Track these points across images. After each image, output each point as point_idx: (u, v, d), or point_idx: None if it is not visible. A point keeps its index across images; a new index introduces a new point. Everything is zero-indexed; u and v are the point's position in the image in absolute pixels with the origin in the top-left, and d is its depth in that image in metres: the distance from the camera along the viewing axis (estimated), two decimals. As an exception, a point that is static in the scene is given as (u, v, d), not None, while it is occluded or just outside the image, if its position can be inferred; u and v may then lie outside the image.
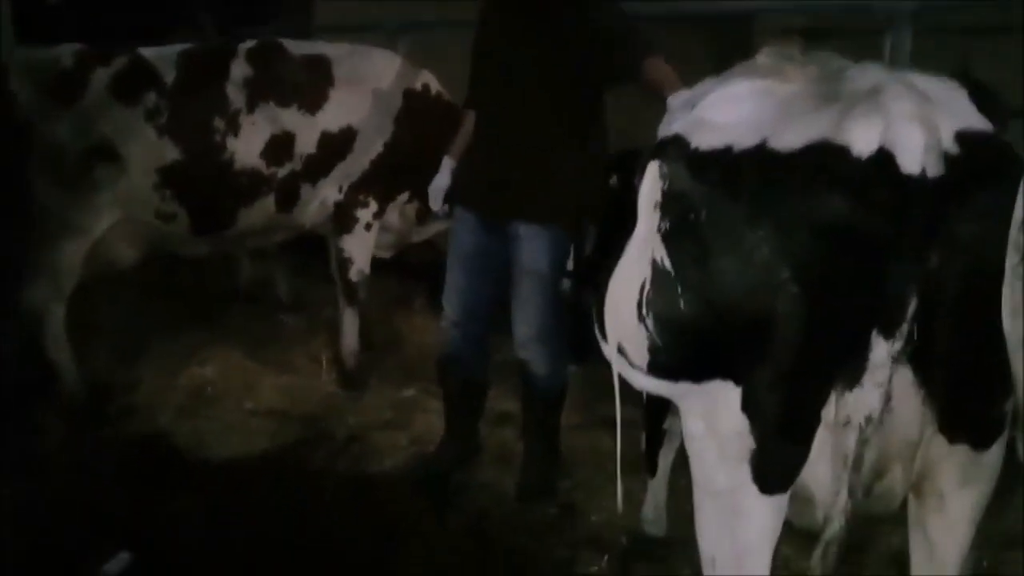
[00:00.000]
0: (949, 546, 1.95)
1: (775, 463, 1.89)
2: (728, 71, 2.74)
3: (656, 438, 3.27)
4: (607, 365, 4.57)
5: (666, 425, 3.24)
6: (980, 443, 1.87)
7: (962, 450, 1.87)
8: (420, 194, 4.84)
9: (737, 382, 1.88)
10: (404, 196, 4.94)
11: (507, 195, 3.54)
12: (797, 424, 1.86)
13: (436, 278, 5.60)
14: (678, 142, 1.99)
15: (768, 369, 1.81)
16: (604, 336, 2.12)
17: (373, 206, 4.81)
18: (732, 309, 1.81)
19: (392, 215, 4.98)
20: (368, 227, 4.82)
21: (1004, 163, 1.73)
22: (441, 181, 3.83)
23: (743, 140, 1.89)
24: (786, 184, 1.77)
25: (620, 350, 2.06)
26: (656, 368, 1.97)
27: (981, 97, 1.87)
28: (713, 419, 1.94)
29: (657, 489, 3.35)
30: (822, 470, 1.90)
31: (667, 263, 1.91)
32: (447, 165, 3.86)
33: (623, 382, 2.25)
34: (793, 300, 1.75)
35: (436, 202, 3.88)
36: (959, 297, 1.72)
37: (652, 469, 3.33)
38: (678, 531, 3.34)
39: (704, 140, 1.95)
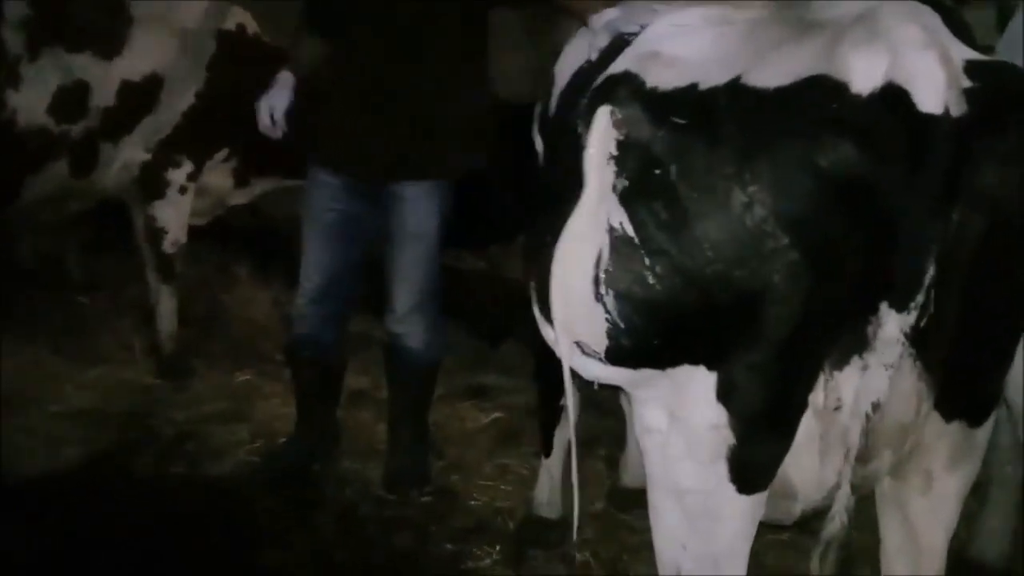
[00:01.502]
0: (934, 530, 1.77)
1: (757, 459, 1.63)
2: None
3: (553, 415, 2.99)
4: (469, 331, 4.40)
5: (563, 402, 2.95)
6: (977, 420, 1.69)
7: (957, 428, 1.68)
8: (240, 151, 4.35)
9: (711, 367, 1.59)
10: (222, 153, 4.35)
11: (384, 152, 3.07)
12: (784, 413, 1.60)
13: (261, 245, 5.12)
14: (630, 81, 1.65)
15: (756, 351, 1.53)
16: (548, 319, 1.77)
17: (187, 166, 4.20)
18: (715, 281, 1.51)
19: (210, 176, 4.37)
20: (183, 190, 4.21)
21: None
22: (279, 99, 3.21)
23: (710, 76, 1.58)
24: (779, 129, 1.47)
25: (570, 334, 1.71)
26: (616, 354, 1.64)
27: (952, 21, 1.64)
28: (680, 410, 1.65)
29: (552, 469, 3.08)
30: (805, 461, 1.66)
31: (628, 229, 1.58)
32: (287, 81, 3.24)
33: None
34: (792, 269, 1.46)
35: (265, 119, 3.23)
36: (980, 259, 1.49)
37: (548, 449, 3.06)
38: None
39: (662, 78, 1.62)
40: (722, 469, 1.63)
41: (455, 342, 4.30)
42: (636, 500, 3.13)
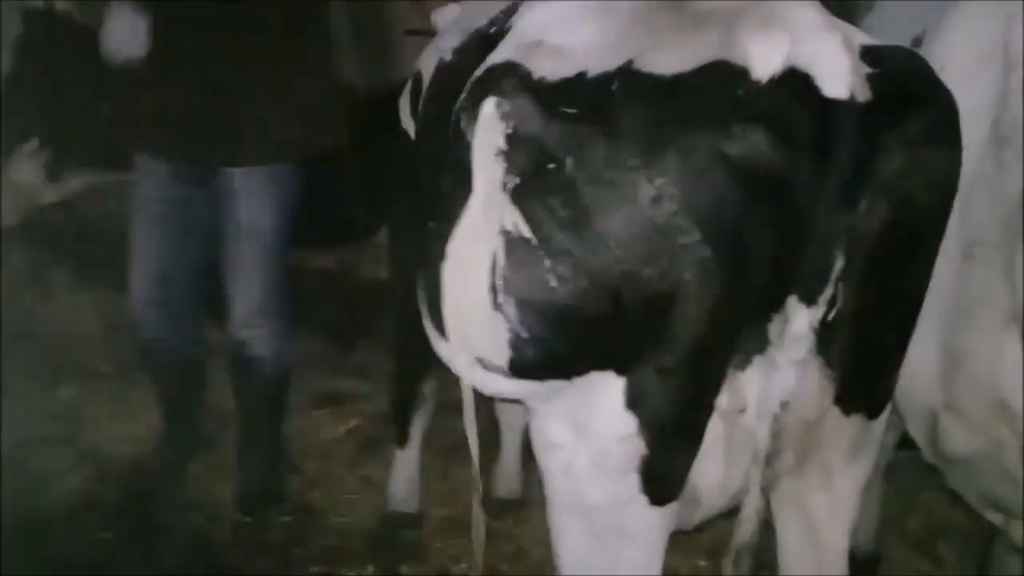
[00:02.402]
0: (836, 526, 1.73)
1: (668, 468, 1.54)
2: None
3: (410, 403, 2.84)
4: (321, 335, 4.15)
5: (424, 388, 2.81)
6: (875, 412, 1.66)
7: (856, 421, 1.64)
8: (52, 142, 3.92)
9: (619, 372, 1.48)
10: (31, 145, 3.89)
11: (208, 134, 2.78)
12: (695, 418, 1.51)
13: (76, 248, 4.65)
14: (514, 71, 1.50)
15: (667, 354, 1.43)
16: (441, 332, 1.60)
17: (-9, 160, 3.73)
18: (623, 281, 1.39)
19: (17, 170, 3.90)
20: (-13, 187, 3.74)
21: (931, 84, 1.47)
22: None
23: (600, 64, 1.46)
24: (680, 117, 1.37)
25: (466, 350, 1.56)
26: (521, 367, 1.50)
27: (832, 8, 1.60)
28: (587, 422, 1.53)
29: (408, 461, 2.92)
30: (709, 465, 1.58)
31: (524, 229, 1.44)
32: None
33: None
34: (704, 265, 1.37)
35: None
36: (884, 249, 1.45)
37: (403, 438, 2.91)
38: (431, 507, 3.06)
39: (548, 67, 1.48)
40: (633, 481, 1.53)
41: (305, 347, 4.06)
42: (509, 508, 3.06)
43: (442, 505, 3.11)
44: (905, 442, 2.37)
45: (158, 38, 2.80)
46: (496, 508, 3.06)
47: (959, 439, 1.78)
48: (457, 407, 3.45)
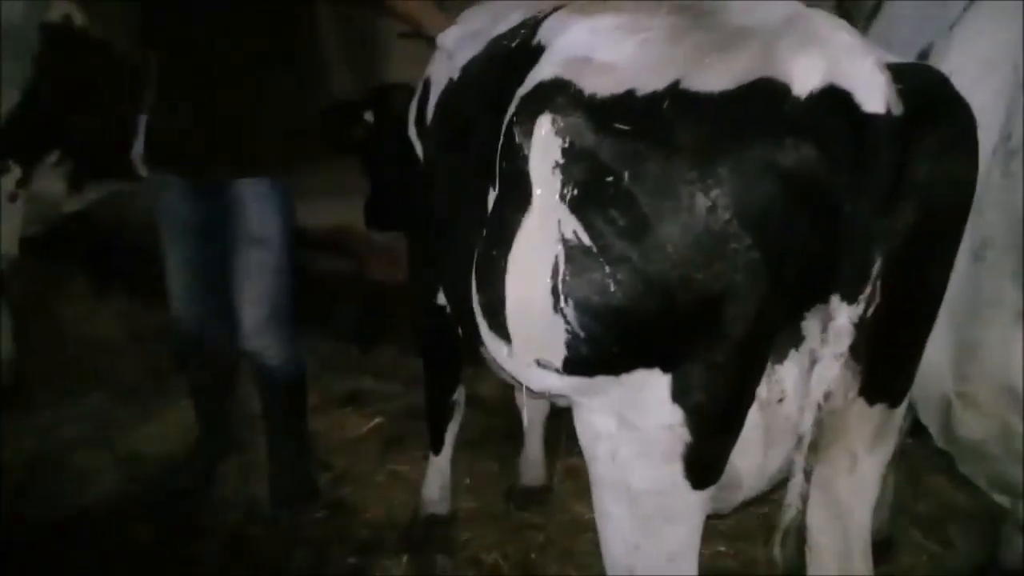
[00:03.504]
0: (860, 506, 1.85)
1: (710, 454, 1.66)
2: (489, 6, 2.45)
3: (444, 413, 2.96)
4: (338, 336, 4.26)
5: (455, 397, 2.93)
6: (896, 401, 1.79)
7: (879, 410, 1.76)
8: (72, 153, 4.02)
9: (666, 369, 1.61)
10: (53, 157, 4.00)
11: (211, 147, 2.91)
12: (737, 408, 1.63)
13: (97, 256, 4.75)
14: (565, 88, 1.62)
15: (714, 351, 1.55)
16: (502, 335, 1.72)
17: (16, 172, 3.82)
18: (678, 285, 1.51)
19: (40, 181, 3.99)
20: (12, 198, 3.83)
21: (953, 98, 1.59)
22: (139, 145, 3.10)
23: (647, 82, 1.57)
24: (732, 133, 1.49)
25: (527, 350, 1.68)
26: (574, 364, 1.62)
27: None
28: (633, 414, 1.65)
29: (442, 467, 3.04)
30: (749, 452, 1.71)
31: (584, 237, 1.56)
32: (143, 124, 3.10)
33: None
34: (753, 268, 1.48)
35: (140, 169, 3.13)
36: (914, 250, 1.57)
37: (437, 446, 3.02)
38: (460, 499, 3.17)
39: (599, 84, 1.60)
40: (677, 468, 1.65)
41: (325, 349, 4.18)
42: (535, 498, 3.19)
43: (468, 498, 3.23)
44: (914, 430, 2.51)
45: (163, 65, 2.97)
46: (522, 498, 3.18)
47: (971, 425, 1.91)
48: (481, 403, 3.61)
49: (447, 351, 2.78)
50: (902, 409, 1.82)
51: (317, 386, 3.81)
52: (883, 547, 2.77)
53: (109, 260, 4.69)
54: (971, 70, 1.84)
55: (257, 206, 2.94)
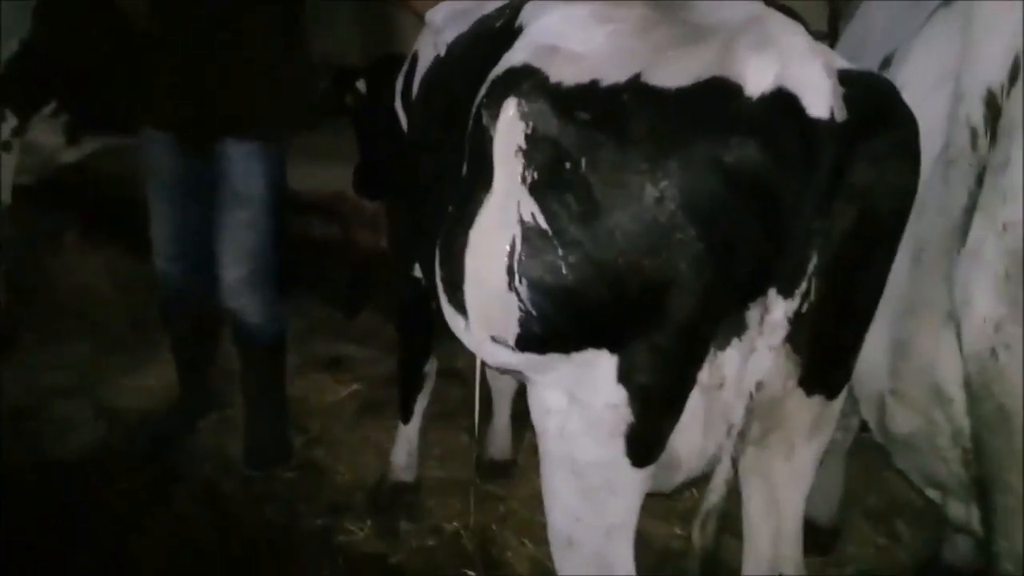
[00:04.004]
0: (794, 493, 1.94)
1: (651, 434, 1.74)
2: None
3: (415, 383, 3.04)
4: (324, 300, 4.32)
5: (426, 368, 3.01)
6: (833, 393, 1.86)
7: (817, 401, 1.84)
8: (70, 104, 4.07)
9: (613, 350, 1.68)
10: (50, 107, 4.05)
11: (200, 110, 2.99)
12: (678, 391, 1.71)
13: (90, 207, 4.82)
14: (533, 74, 1.69)
15: (658, 335, 1.62)
16: (459, 309, 1.79)
17: (11, 120, 3.91)
18: (625, 270, 1.58)
19: (36, 132, 4.06)
20: (6, 147, 3.90)
21: (897, 106, 1.66)
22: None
23: (611, 74, 1.64)
24: (684, 128, 1.55)
25: (480, 323, 1.75)
26: (527, 341, 1.70)
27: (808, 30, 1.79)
28: (581, 392, 1.72)
29: (410, 435, 3.13)
30: (689, 434, 1.79)
31: (541, 220, 1.63)
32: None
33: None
34: (697, 258, 1.55)
35: None
36: (851, 249, 1.64)
37: (407, 415, 3.10)
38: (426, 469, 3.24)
39: (565, 73, 1.66)
40: (619, 445, 1.72)
41: (310, 312, 4.25)
42: (501, 471, 3.27)
43: (437, 468, 3.32)
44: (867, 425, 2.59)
45: (159, 23, 3.03)
46: (488, 470, 3.27)
47: (901, 421, 1.99)
48: (450, 376, 3.68)
49: (421, 322, 2.85)
50: (839, 401, 1.90)
51: (300, 349, 3.92)
52: (830, 536, 2.87)
53: (102, 212, 4.74)
54: (926, 79, 1.90)
55: (243, 166, 3.00)
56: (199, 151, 3.03)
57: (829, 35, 3.22)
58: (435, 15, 2.57)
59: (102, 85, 4.03)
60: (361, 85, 3.41)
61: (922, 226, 1.82)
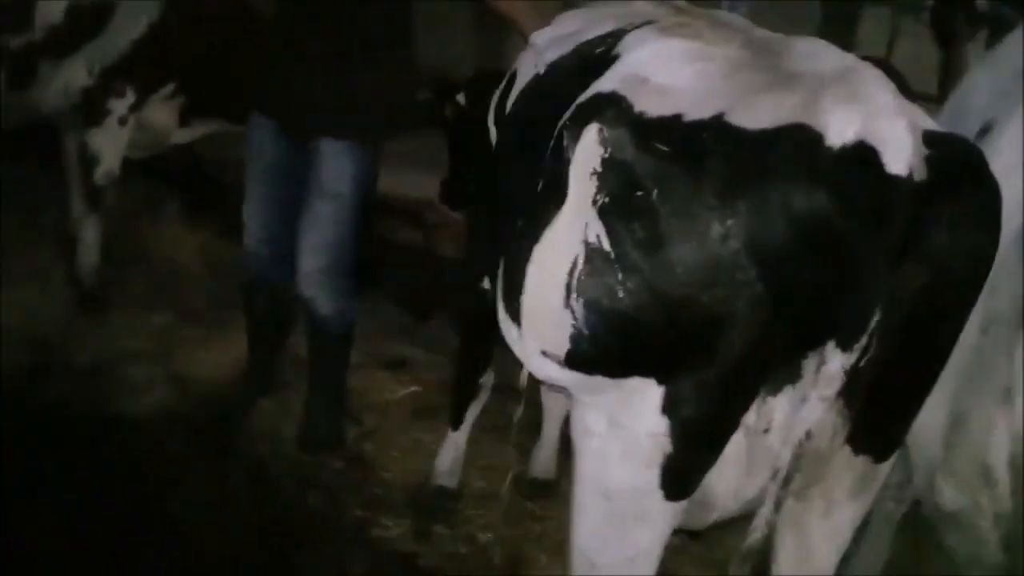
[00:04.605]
0: (829, 551, 1.92)
1: (688, 469, 1.75)
2: (595, 8, 2.55)
3: (470, 392, 3.09)
4: (397, 302, 4.42)
5: (482, 379, 3.06)
6: (882, 456, 1.84)
7: (863, 461, 1.83)
8: (187, 88, 4.27)
9: (660, 381, 1.70)
10: (168, 89, 4.26)
11: (305, 104, 3.12)
12: (720, 429, 1.72)
13: (191, 186, 5.03)
14: (618, 102, 1.73)
15: (707, 371, 1.64)
16: (517, 320, 1.84)
17: (130, 97, 4.10)
18: (681, 302, 1.61)
19: (153, 110, 4.27)
20: (122, 121, 4.11)
21: (982, 172, 1.65)
22: None
23: (695, 110, 1.67)
24: (758, 170, 1.57)
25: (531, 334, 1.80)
26: (575, 359, 1.74)
27: (897, 82, 1.79)
28: (623, 417, 1.75)
29: (458, 442, 3.18)
30: (728, 475, 1.79)
31: (605, 243, 1.67)
32: None
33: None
34: (755, 300, 1.57)
35: None
36: (918, 312, 1.64)
37: (457, 422, 3.16)
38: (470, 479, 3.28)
39: (650, 105, 1.71)
40: (654, 475, 1.74)
41: (381, 312, 4.36)
42: (542, 491, 3.29)
43: (480, 479, 3.35)
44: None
45: (277, 15, 3.20)
46: (529, 488, 3.29)
47: (949, 497, 1.95)
48: (504, 392, 3.72)
49: (483, 333, 2.90)
50: (886, 466, 1.87)
51: (366, 345, 4.01)
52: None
53: (202, 193, 4.95)
54: (1019, 152, 1.88)
55: (335, 163, 3.12)
56: (299, 141, 3.17)
57: (939, 98, 3.18)
58: (539, 37, 2.63)
59: (220, 72, 4.21)
60: (461, 98, 3.50)
61: (994, 300, 1.79)
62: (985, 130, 2.13)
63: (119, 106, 4.07)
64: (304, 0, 3.13)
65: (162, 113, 4.33)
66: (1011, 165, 1.82)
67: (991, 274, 1.69)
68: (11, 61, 3.76)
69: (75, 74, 3.95)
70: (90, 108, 4.01)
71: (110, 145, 4.09)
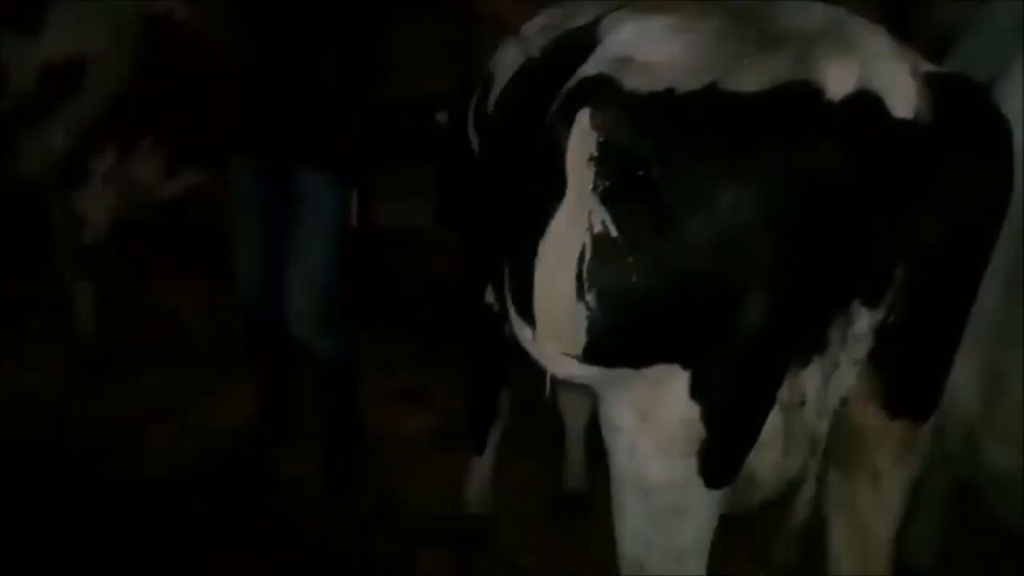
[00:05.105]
0: (882, 526, 1.83)
1: (726, 453, 1.67)
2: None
3: (488, 414, 3.00)
4: (405, 331, 4.35)
5: (499, 399, 2.98)
6: (921, 417, 1.76)
7: (902, 424, 1.75)
8: (168, 140, 4.22)
9: (685, 365, 1.62)
10: (149, 142, 4.20)
11: (281, 140, 3.05)
12: (755, 407, 1.64)
13: (184, 240, 4.98)
14: (607, 84, 1.67)
15: (732, 348, 1.57)
16: (527, 318, 1.77)
17: (111, 155, 4.04)
18: (698, 279, 1.54)
19: (135, 166, 4.21)
20: (106, 180, 4.05)
21: (988, 109, 1.58)
22: None
23: (686, 82, 1.61)
24: (760, 132, 1.51)
25: (547, 334, 1.72)
26: (594, 353, 1.66)
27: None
28: (652, 408, 1.67)
29: (484, 466, 3.09)
30: (769, 454, 1.71)
31: (611, 228, 1.60)
32: None
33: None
34: (774, 267, 1.50)
35: None
36: (941, 260, 1.57)
37: (480, 447, 3.06)
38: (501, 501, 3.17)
39: (639, 82, 1.64)
40: (692, 464, 1.66)
41: (390, 343, 4.29)
42: (577, 504, 3.20)
43: (512, 500, 3.25)
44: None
45: (249, 55, 3.13)
46: (562, 503, 3.20)
47: (996, 457, 1.86)
48: (526, 407, 3.64)
49: (493, 350, 2.83)
50: (927, 430, 1.79)
51: (378, 379, 3.93)
52: (917, 577, 2.69)
53: (197, 243, 4.90)
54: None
55: (316, 198, 3.04)
56: (279, 179, 3.10)
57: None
58: (529, 29, 2.55)
59: (199, 119, 4.17)
60: (442, 117, 3.45)
61: (1019, 250, 1.71)
62: (991, 80, 2.06)
63: (101, 165, 4.02)
64: (275, 35, 3.06)
65: (146, 168, 4.27)
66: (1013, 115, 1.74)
67: (1015, 221, 1.62)
68: (-12, 132, 3.73)
69: (53, 138, 3.90)
70: (72, 171, 3.96)
71: (95, 206, 4.04)
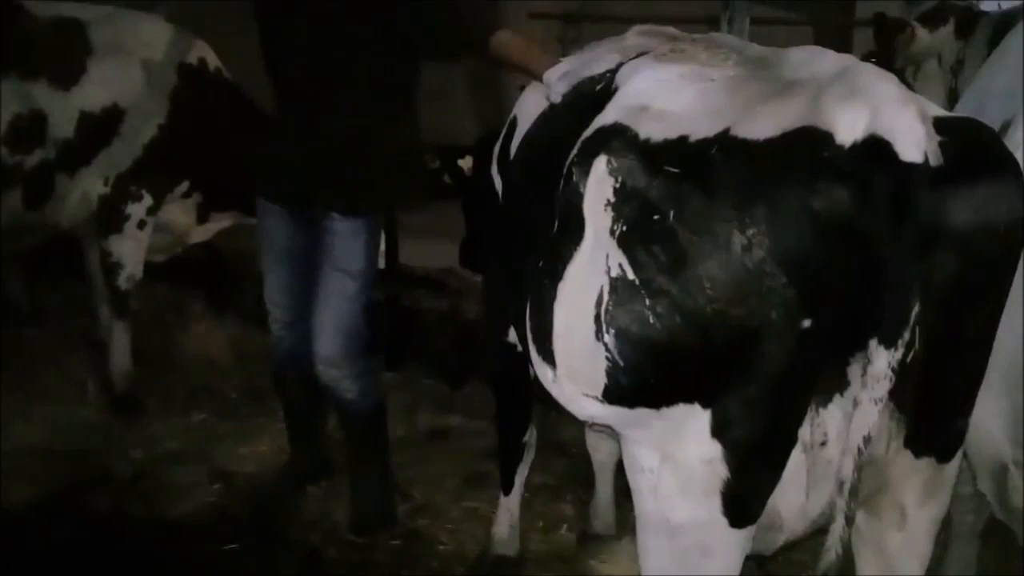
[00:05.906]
0: (910, 563, 1.83)
1: (749, 492, 1.67)
2: (596, 47, 2.53)
3: (515, 454, 3.01)
4: (431, 372, 4.39)
5: (525, 438, 2.98)
6: (945, 456, 1.77)
7: (927, 464, 1.75)
8: (201, 185, 4.32)
9: (705, 404, 1.64)
10: (183, 188, 4.31)
11: (309, 182, 3.11)
12: (777, 446, 1.65)
13: (215, 283, 5.07)
14: (622, 132, 1.71)
15: (751, 387, 1.58)
16: (548, 359, 1.79)
17: (147, 200, 4.14)
18: (714, 320, 1.56)
19: (169, 210, 4.31)
20: (141, 225, 4.14)
21: (998, 151, 1.60)
22: None
23: (699, 129, 1.65)
24: (772, 176, 1.54)
25: (567, 377, 1.74)
26: (614, 394, 1.68)
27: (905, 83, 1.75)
28: (674, 448, 1.68)
29: (511, 507, 3.08)
30: (792, 494, 1.71)
31: (629, 271, 1.63)
32: None
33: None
34: (790, 307, 1.52)
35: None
36: (957, 299, 1.58)
37: (508, 487, 3.06)
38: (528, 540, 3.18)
39: (653, 130, 1.69)
40: (715, 503, 1.67)
41: (417, 383, 4.31)
42: (605, 545, 3.18)
43: (540, 541, 3.25)
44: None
45: (276, 100, 3.21)
46: (591, 543, 3.18)
47: None
48: (552, 447, 3.64)
49: (518, 390, 2.84)
50: (952, 468, 1.79)
51: (406, 419, 3.99)
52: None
53: (225, 286, 4.98)
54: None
55: (343, 239, 3.08)
56: (307, 222, 3.16)
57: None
58: (553, 74, 2.59)
59: (231, 165, 4.25)
60: (465, 163, 3.50)
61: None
62: (1002, 129, 2.07)
63: (137, 210, 4.12)
64: (304, 82, 3.13)
65: (180, 212, 4.38)
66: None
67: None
68: (28, 181, 3.83)
69: (91, 184, 4.02)
70: (108, 216, 4.07)
71: (131, 250, 4.13)
